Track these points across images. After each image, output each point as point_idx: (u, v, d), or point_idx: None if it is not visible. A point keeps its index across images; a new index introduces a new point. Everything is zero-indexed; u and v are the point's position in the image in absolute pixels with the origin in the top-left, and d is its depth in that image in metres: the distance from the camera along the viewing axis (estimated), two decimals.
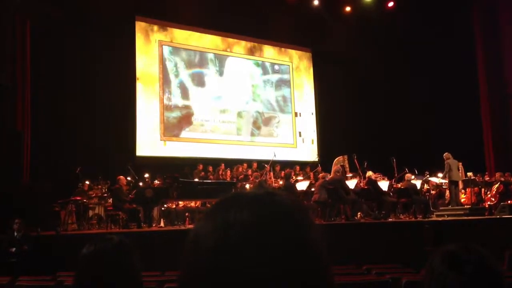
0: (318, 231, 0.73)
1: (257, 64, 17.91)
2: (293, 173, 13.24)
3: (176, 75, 16.11)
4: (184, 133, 15.89)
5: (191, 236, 0.73)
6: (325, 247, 0.72)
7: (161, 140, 15.34)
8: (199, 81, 16.47)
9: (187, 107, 16.07)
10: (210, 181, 12.71)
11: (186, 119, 15.99)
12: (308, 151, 17.94)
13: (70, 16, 13.15)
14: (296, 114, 18.33)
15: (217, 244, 0.68)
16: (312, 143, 18.36)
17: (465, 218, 11.13)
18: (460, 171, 13.21)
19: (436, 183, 13.76)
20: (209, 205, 12.17)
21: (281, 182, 12.93)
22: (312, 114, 18.71)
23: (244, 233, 0.68)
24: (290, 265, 0.67)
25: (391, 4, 17.57)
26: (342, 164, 13.53)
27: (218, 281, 0.67)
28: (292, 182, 12.22)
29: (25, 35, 12.44)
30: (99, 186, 12.04)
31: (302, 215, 0.73)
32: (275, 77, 18.21)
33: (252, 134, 17.12)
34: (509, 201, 12.43)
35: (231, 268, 0.66)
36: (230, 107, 16.79)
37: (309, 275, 0.68)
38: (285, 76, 18.48)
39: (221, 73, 16.93)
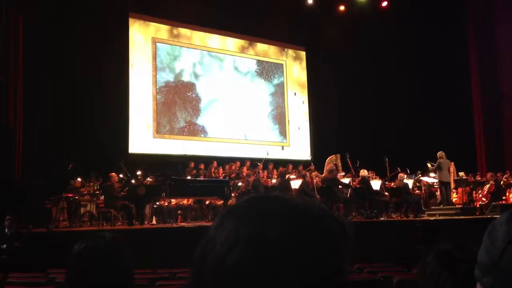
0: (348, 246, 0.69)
1: (251, 62, 17.88)
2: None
3: (170, 73, 16.07)
4: (177, 131, 15.86)
5: (205, 242, 0.69)
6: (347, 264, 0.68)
7: (154, 137, 15.31)
8: (192, 78, 16.43)
9: (181, 105, 16.03)
10: (202, 179, 12.71)
11: (179, 116, 15.96)
12: (301, 150, 17.94)
13: (63, 12, 13.08)
14: (289, 112, 18.33)
15: (240, 256, 0.64)
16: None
17: (457, 217, 11.18)
18: (451, 171, 13.27)
19: (427, 182, 13.82)
20: (206, 203, 12.17)
21: (274, 181, 12.94)
22: (305, 112, 18.72)
23: (263, 253, 0.63)
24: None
25: (385, 3, 17.63)
26: (334, 163, 13.56)
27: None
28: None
29: (18, 31, 12.36)
30: (91, 183, 11.98)
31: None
32: (268, 75, 18.20)
33: (245, 132, 17.10)
34: (500, 201, 12.51)
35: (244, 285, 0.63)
36: (224, 104, 16.76)
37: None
38: (279, 74, 18.47)
39: (214, 70, 16.90)
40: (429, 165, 12.77)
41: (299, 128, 18.37)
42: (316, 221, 0.68)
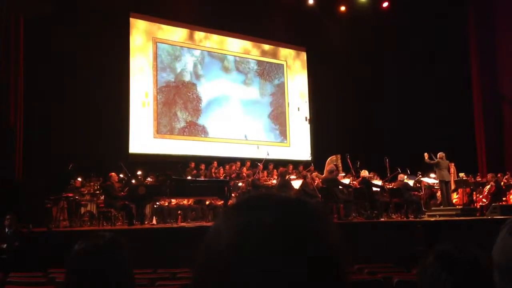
0: (339, 237, 0.71)
1: (251, 62, 17.88)
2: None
3: (170, 72, 16.07)
4: (178, 131, 15.86)
5: (210, 234, 0.70)
6: (347, 254, 0.71)
7: (154, 137, 15.31)
8: (193, 78, 16.43)
9: (181, 105, 16.03)
10: (203, 179, 12.70)
11: (179, 116, 15.96)
12: (301, 150, 17.94)
13: (64, 11, 13.07)
14: (289, 112, 18.32)
15: (236, 245, 0.66)
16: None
17: (457, 218, 11.18)
18: (452, 172, 13.26)
19: (428, 183, 13.81)
20: (206, 203, 12.17)
21: (274, 181, 12.93)
22: (306, 112, 18.70)
23: (264, 236, 0.65)
24: (310, 272, 0.65)
25: (385, 4, 17.62)
26: (335, 163, 13.55)
27: (232, 283, 0.65)
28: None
29: (19, 30, 12.36)
30: (91, 183, 11.98)
31: (328, 225, 0.71)
32: (269, 75, 18.19)
33: (245, 133, 17.09)
34: (500, 202, 12.51)
35: (246, 270, 0.64)
36: (224, 105, 16.76)
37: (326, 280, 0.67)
38: (279, 75, 18.47)
39: (215, 70, 16.90)
40: (426, 155, 12.57)
41: (298, 128, 18.33)
42: (310, 214, 0.70)
